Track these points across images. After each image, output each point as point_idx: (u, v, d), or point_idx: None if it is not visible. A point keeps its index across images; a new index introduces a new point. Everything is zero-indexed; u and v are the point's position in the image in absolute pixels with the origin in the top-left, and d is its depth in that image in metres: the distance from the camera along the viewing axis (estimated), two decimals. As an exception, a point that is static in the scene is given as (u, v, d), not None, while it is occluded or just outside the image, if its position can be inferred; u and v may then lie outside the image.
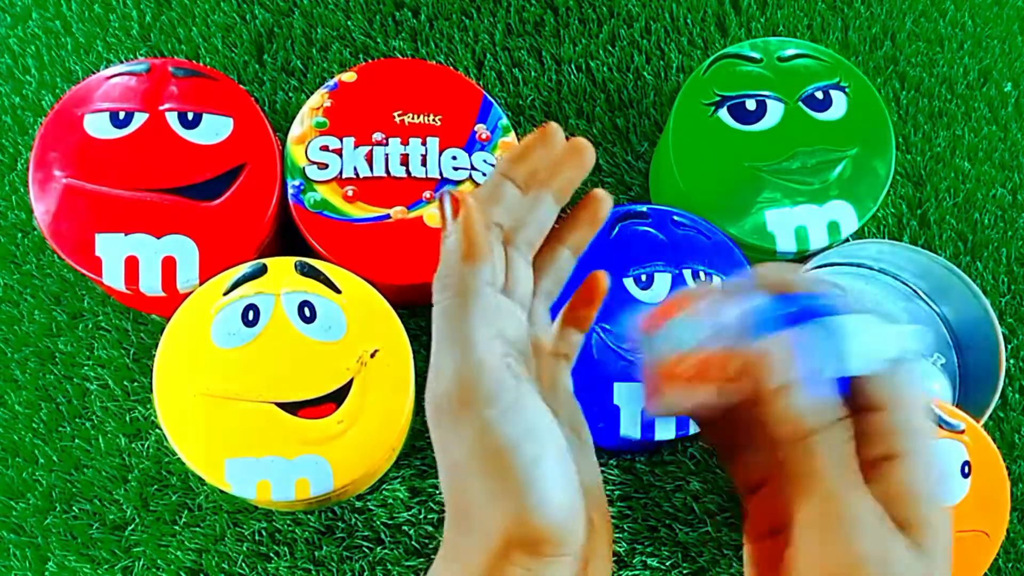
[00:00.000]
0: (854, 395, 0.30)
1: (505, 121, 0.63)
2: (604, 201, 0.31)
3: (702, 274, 0.59)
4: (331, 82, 0.63)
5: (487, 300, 0.28)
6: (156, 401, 0.54)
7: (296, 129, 0.61)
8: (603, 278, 0.32)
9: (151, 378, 0.55)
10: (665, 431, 0.56)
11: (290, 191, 0.60)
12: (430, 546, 0.61)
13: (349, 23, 0.73)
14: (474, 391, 0.27)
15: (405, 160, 0.61)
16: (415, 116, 0.62)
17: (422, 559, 0.61)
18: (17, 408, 0.62)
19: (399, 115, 0.62)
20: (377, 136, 0.61)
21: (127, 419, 0.62)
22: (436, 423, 0.28)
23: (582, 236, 0.31)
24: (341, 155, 0.61)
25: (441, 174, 0.61)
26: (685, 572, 0.62)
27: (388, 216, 0.60)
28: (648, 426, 0.56)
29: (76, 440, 0.61)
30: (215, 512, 0.61)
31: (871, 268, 0.70)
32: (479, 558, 0.26)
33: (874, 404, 0.29)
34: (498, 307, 0.28)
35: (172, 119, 0.59)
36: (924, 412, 0.29)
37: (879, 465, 0.29)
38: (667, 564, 0.62)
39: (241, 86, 0.61)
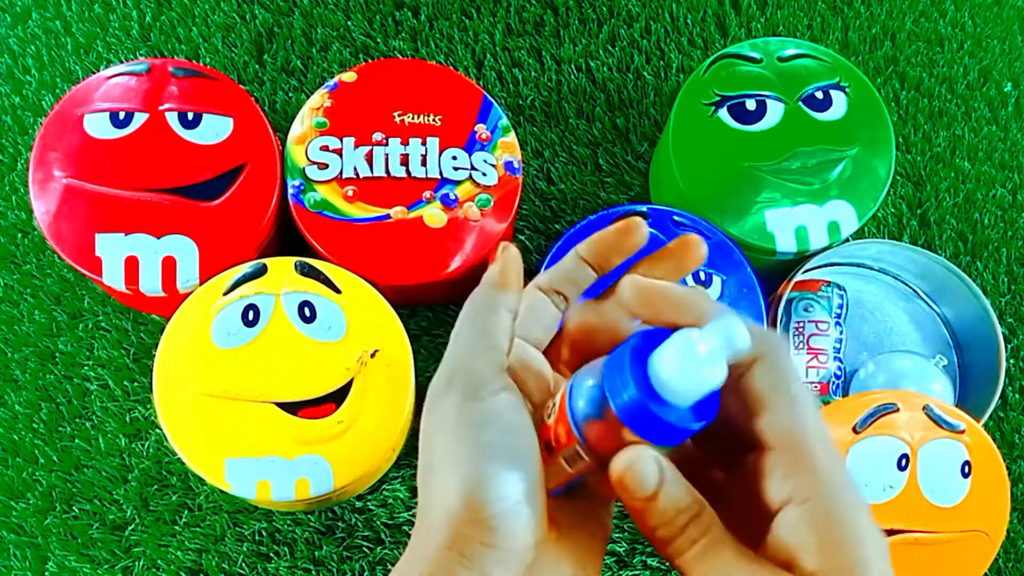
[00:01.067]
0: (745, 431, 0.27)
1: (505, 121, 0.63)
2: (699, 248, 0.30)
3: (702, 274, 0.59)
4: (331, 82, 0.63)
5: (500, 317, 0.28)
6: (156, 401, 0.54)
7: (296, 129, 0.61)
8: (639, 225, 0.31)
9: (151, 378, 0.55)
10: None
11: (290, 191, 0.60)
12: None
13: (349, 23, 0.73)
14: (463, 377, 0.28)
15: (405, 160, 0.61)
16: (415, 116, 0.62)
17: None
18: (17, 408, 0.62)
19: (399, 115, 0.62)
20: (377, 136, 0.61)
21: (127, 419, 0.62)
22: (426, 410, 0.28)
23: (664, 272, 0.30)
24: (341, 155, 0.61)
25: (441, 174, 0.61)
26: (685, 572, 0.62)
27: (388, 216, 0.60)
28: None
29: (76, 440, 0.61)
30: (215, 512, 0.61)
31: (871, 268, 0.70)
32: (429, 549, 0.26)
33: (766, 444, 0.27)
34: (506, 329, 0.29)
35: (172, 119, 0.59)
36: (823, 447, 0.26)
37: (777, 512, 0.26)
38: (667, 564, 0.62)
39: (241, 86, 0.61)
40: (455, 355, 0.29)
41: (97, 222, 0.57)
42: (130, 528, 0.60)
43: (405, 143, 0.61)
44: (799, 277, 0.64)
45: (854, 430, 0.56)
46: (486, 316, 0.29)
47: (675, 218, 0.60)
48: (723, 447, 0.29)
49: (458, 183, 0.61)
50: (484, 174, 0.61)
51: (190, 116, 0.59)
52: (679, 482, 0.28)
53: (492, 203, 0.61)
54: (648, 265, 0.30)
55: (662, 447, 0.27)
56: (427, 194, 0.60)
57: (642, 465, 0.27)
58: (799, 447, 0.26)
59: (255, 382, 0.54)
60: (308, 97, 0.63)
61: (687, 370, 0.25)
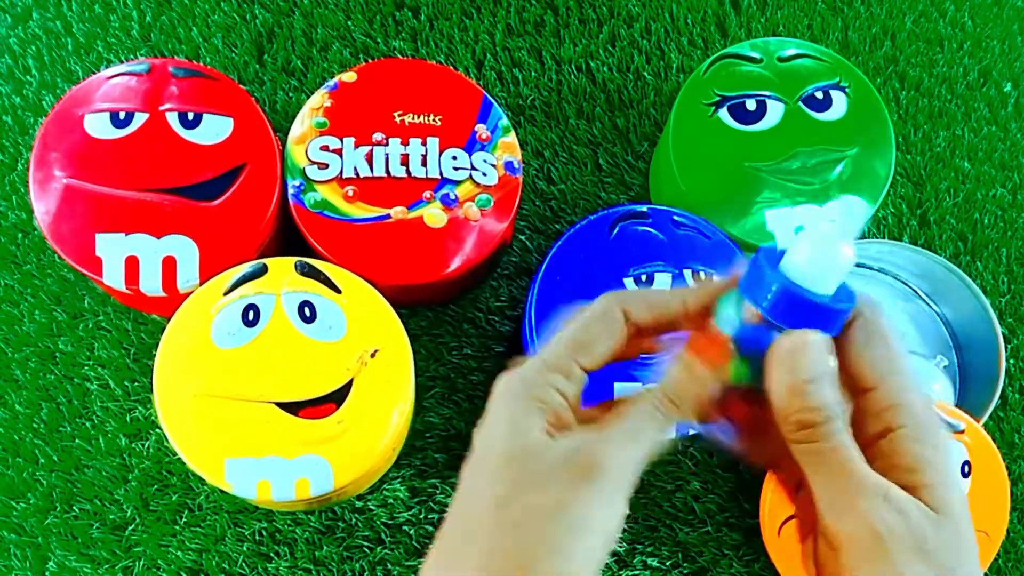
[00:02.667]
0: (845, 378, 0.30)
1: (505, 121, 0.63)
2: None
3: (702, 274, 0.59)
4: (331, 82, 0.63)
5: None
6: (156, 401, 0.54)
7: (296, 129, 0.61)
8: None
9: (151, 378, 0.55)
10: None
11: (290, 191, 0.60)
12: (430, 546, 0.61)
13: (349, 23, 0.73)
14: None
15: (405, 160, 0.61)
16: (415, 116, 0.62)
17: (422, 559, 0.61)
18: (18, 408, 0.62)
19: (399, 115, 0.62)
20: (377, 136, 0.61)
21: (127, 419, 0.62)
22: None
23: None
24: (341, 155, 0.61)
25: (441, 174, 0.61)
26: (685, 572, 0.62)
27: (388, 216, 0.60)
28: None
29: (76, 440, 0.61)
30: (215, 512, 0.61)
31: (871, 268, 0.70)
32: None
33: (867, 384, 0.30)
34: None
35: (172, 119, 0.59)
36: (915, 384, 0.30)
37: (877, 442, 0.29)
38: (667, 564, 0.62)
39: (241, 86, 0.61)
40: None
41: (97, 222, 0.57)
42: (130, 528, 0.60)
43: (405, 143, 0.61)
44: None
45: (854, 430, 0.56)
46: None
47: (675, 218, 0.60)
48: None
49: (458, 183, 0.61)
50: (484, 174, 0.61)
51: (190, 116, 0.60)
52: (836, 382, 0.29)
53: (492, 203, 0.61)
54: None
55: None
56: (427, 194, 0.60)
57: (816, 346, 0.29)
58: (900, 390, 0.29)
59: (255, 382, 0.54)
60: (308, 97, 0.63)
61: (821, 253, 0.27)
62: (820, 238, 0.27)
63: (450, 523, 0.31)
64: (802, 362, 0.29)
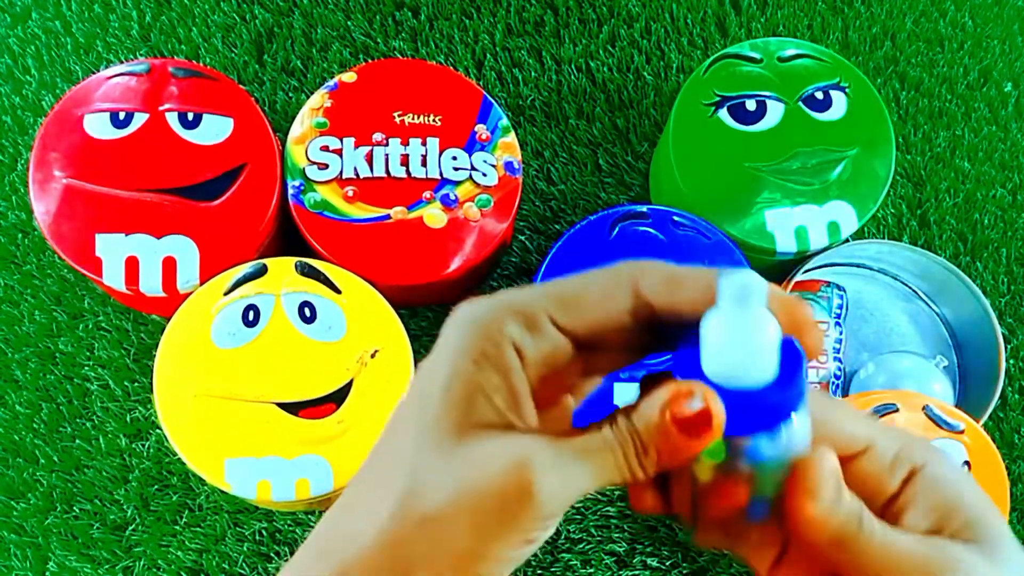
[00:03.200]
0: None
1: (505, 121, 0.63)
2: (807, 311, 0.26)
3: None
4: (331, 82, 0.63)
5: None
6: (156, 401, 0.54)
7: (296, 129, 0.61)
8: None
9: (151, 378, 0.55)
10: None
11: (290, 191, 0.60)
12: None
13: (349, 23, 0.73)
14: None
15: (405, 160, 0.61)
16: (415, 116, 0.62)
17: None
18: (18, 408, 0.62)
19: (399, 115, 0.62)
20: (377, 136, 0.61)
21: (127, 419, 0.62)
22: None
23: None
24: (341, 155, 0.61)
25: (441, 174, 0.61)
26: (685, 572, 0.62)
27: (388, 216, 0.60)
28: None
29: (77, 440, 0.61)
30: (216, 512, 0.61)
31: (871, 268, 0.70)
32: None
33: (857, 447, 0.26)
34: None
35: (172, 119, 0.59)
36: (893, 427, 0.27)
37: (902, 493, 0.26)
38: (667, 564, 0.62)
39: (241, 86, 0.61)
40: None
41: (97, 222, 0.57)
42: (131, 528, 0.60)
43: (405, 143, 0.61)
44: (799, 277, 0.64)
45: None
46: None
47: (675, 218, 0.60)
48: None
49: (458, 183, 0.61)
50: (484, 174, 0.61)
51: (190, 116, 0.60)
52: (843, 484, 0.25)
53: (492, 203, 0.61)
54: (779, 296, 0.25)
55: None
56: (427, 194, 0.60)
57: (833, 465, 0.24)
58: (891, 438, 0.26)
59: (255, 382, 0.54)
60: (308, 97, 0.63)
61: (739, 336, 0.22)
62: (730, 322, 0.22)
63: (362, 475, 0.26)
64: (828, 487, 0.24)
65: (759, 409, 0.23)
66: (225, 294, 0.56)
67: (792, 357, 0.23)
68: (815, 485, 0.24)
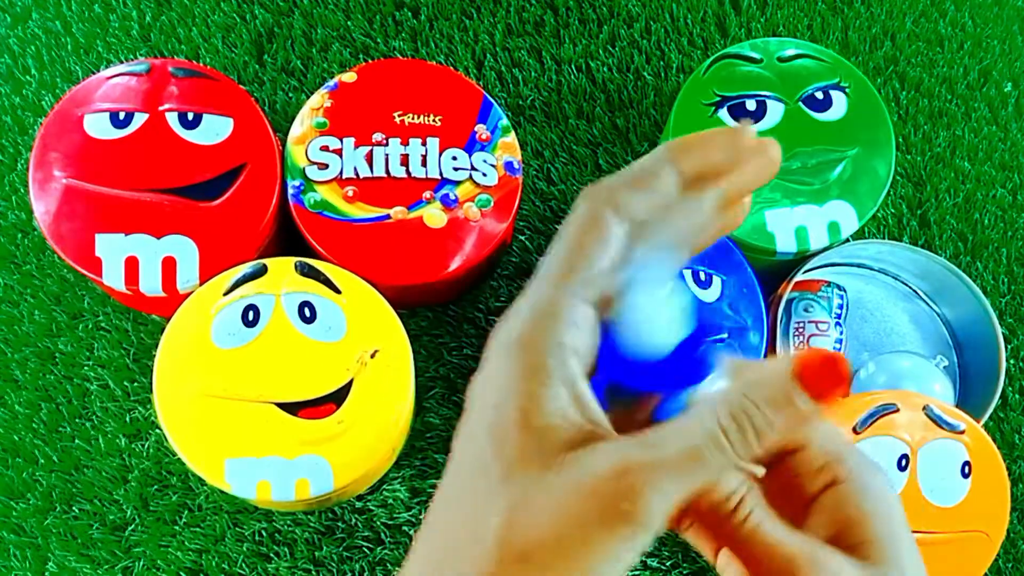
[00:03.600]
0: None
1: (505, 121, 0.63)
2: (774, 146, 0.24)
3: (702, 274, 0.59)
4: (331, 82, 0.63)
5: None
6: (156, 401, 0.54)
7: (296, 129, 0.61)
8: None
9: (151, 378, 0.55)
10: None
11: (290, 191, 0.60)
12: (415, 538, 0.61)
13: (349, 23, 0.73)
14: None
15: (405, 160, 0.61)
16: (415, 116, 0.62)
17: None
18: (17, 408, 0.62)
19: (399, 115, 0.62)
20: (377, 136, 0.61)
21: (127, 419, 0.62)
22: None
23: (746, 178, 0.24)
24: (341, 155, 0.61)
25: (441, 174, 0.61)
26: (685, 572, 0.62)
27: (388, 216, 0.60)
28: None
29: (76, 440, 0.61)
30: (215, 512, 0.61)
31: (871, 268, 0.70)
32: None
33: (795, 444, 0.27)
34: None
35: (172, 119, 0.59)
36: (841, 434, 0.27)
37: (818, 498, 0.27)
38: (667, 564, 0.62)
39: (241, 86, 0.61)
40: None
41: (97, 222, 0.57)
42: (130, 528, 0.60)
43: (405, 143, 0.61)
44: (799, 277, 0.64)
45: (854, 430, 0.56)
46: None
47: (675, 218, 0.60)
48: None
49: (458, 183, 0.61)
50: (484, 174, 0.61)
51: (190, 116, 0.60)
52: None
53: (492, 203, 0.61)
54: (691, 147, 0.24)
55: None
56: (427, 194, 0.60)
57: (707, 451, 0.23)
58: (831, 443, 0.27)
59: (255, 382, 0.54)
60: (308, 97, 0.63)
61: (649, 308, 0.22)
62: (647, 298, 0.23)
63: (434, 522, 0.25)
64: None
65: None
66: (225, 294, 0.56)
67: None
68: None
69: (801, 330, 0.65)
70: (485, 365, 0.24)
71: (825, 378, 0.22)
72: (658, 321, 0.22)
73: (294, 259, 0.57)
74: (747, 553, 0.25)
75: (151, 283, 0.57)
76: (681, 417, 0.23)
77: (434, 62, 0.67)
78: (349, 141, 0.61)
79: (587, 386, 0.23)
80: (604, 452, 0.22)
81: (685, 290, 0.23)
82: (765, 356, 0.59)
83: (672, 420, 0.23)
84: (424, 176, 0.61)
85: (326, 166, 0.60)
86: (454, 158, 0.61)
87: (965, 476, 0.56)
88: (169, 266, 0.57)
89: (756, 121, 0.64)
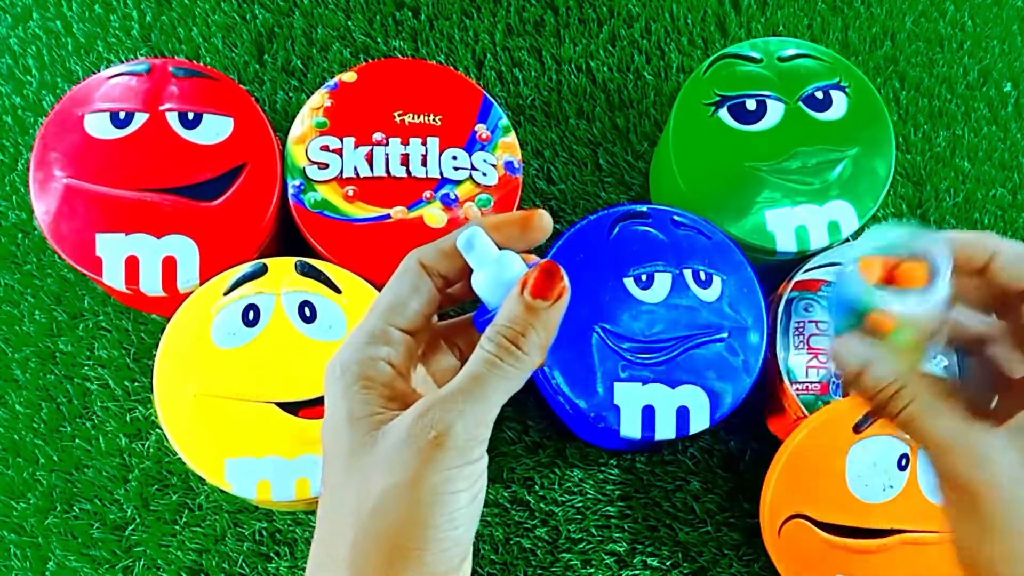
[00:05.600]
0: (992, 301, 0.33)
1: (505, 121, 0.63)
2: (543, 219, 0.33)
3: (702, 274, 0.59)
4: (331, 82, 0.63)
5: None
6: (156, 401, 0.54)
7: (296, 129, 0.61)
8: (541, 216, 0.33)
9: (151, 378, 0.55)
10: (665, 431, 0.56)
11: (290, 191, 0.60)
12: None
13: (349, 23, 0.73)
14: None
15: (405, 160, 0.61)
16: (415, 116, 0.62)
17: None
18: (18, 408, 0.62)
19: (399, 115, 0.62)
20: (377, 136, 0.62)
21: (127, 419, 0.62)
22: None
23: (510, 236, 0.32)
24: (341, 155, 0.61)
25: (441, 174, 0.61)
26: (685, 572, 0.62)
27: (388, 216, 0.60)
28: (648, 426, 0.56)
29: (77, 440, 0.61)
30: (216, 512, 0.61)
31: (871, 268, 0.70)
32: None
33: (986, 256, 0.33)
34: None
35: (172, 119, 0.59)
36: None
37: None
38: (667, 564, 0.62)
39: (241, 86, 0.61)
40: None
41: (97, 222, 0.57)
42: (130, 528, 0.60)
43: (405, 143, 0.61)
44: (799, 277, 0.64)
45: (854, 430, 0.56)
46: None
47: (675, 218, 0.60)
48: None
49: (458, 183, 0.61)
50: (484, 174, 0.61)
51: (190, 116, 0.60)
52: (883, 359, 0.33)
53: (492, 203, 0.61)
54: (497, 226, 0.32)
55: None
56: (427, 194, 0.60)
57: (846, 348, 0.33)
58: None
59: (255, 382, 0.54)
60: (308, 97, 0.63)
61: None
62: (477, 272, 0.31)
63: (320, 526, 0.31)
64: (843, 361, 0.35)
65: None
66: (225, 294, 0.56)
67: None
68: None
69: (801, 330, 0.65)
70: (325, 384, 0.31)
71: (549, 281, 0.30)
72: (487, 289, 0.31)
73: (294, 259, 0.57)
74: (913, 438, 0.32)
75: (151, 283, 0.57)
76: (470, 358, 0.30)
77: (434, 62, 0.67)
78: (349, 141, 0.61)
79: (403, 381, 0.31)
80: (412, 408, 0.29)
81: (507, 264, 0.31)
82: (766, 356, 0.59)
83: (467, 362, 0.30)
84: (424, 176, 0.61)
85: (326, 166, 0.60)
86: (454, 158, 0.61)
87: (965, 476, 0.56)
88: (169, 266, 0.57)
89: (756, 121, 0.64)
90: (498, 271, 0.31)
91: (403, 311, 0.31)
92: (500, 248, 0.31)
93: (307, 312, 0.56)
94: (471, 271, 0.31)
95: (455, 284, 0.33)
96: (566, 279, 0.30)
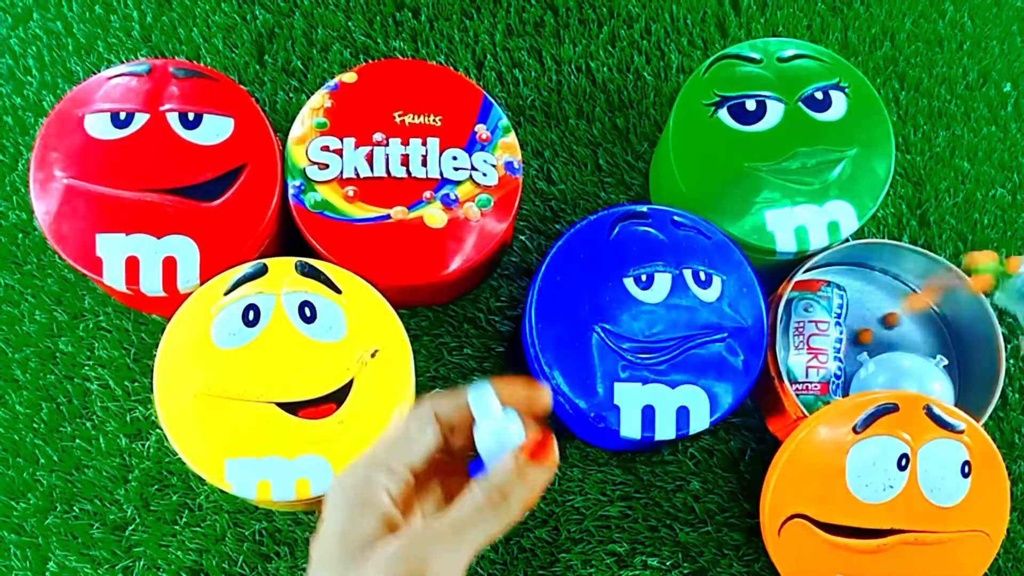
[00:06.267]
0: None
1: (505, 121, 0.63)
2: (547, 394, 0.36)
3: (702, 274, 0.59)
4: (332, 82, 0.63)
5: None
6: (156, 401, 0.54)
7: (297, 129, 0.61)
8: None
9: (151, 378, 0.55)
10: (665, 431, 0.56)
11: (291, 191, 0.60)
12: None
13: (349, 24, 0.73)
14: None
15: (405, 160, 0.61)
16: (415, 116, 0.62)
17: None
18: (18, 408, 0.62)
19: (399, 115, 0.62)
20: (377, 136, 0.62)
21: (127, 419, 0.62)
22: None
23: (514, 395, 0.36)
24: (342, 155, 0.61)
25: (441, 174, 0.61)
26: (685, 572, 0.62)
27: (388, 216, 0.60)
28: (648, 426, 0.56)
29: (77, 440, 0.62)
30: (216, 512, 0.61)
31: (871, 268, 0.70)
32: None
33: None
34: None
35: (173, 119, 0.59)
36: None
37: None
38: (667, 564, 0.62)
39: (242, 86, 0.61)
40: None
41: (98, 222, 0.57)
42: (130, 528, 0.60)
43: (405, 143, 0.61)
44: (799, 277, 0.64)
45: (854, 430, 0.56)
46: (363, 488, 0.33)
47: (675, 218, 0.60)
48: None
49: (458, 183, 0.61)
50: (484, 174, 0.61)
51: (191, 116, 0.60)
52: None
53: (492, 203, 0.61)
54: (505, 385, 0.36)
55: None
56: (427, 194, 0.60)
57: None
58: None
59: (255, 382, 0.54)
60: (308, 97, 0.63)
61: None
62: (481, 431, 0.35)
63: None
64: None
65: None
66: (225, 294, 0.56)
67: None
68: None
69: (801, 330, 0.65)
70: (326, 498, 0.33)
71: (544, 450, 0.33)
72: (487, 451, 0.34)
73: (294, 259, 0.57)
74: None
75: (151, 283, 0.57)
76: (458, 500, 0.33)
77: (434, 62, 0.67)
78: (349, 141, 0.61)
79: (396, 509, 0.33)
80: (397, 537, 0.32)
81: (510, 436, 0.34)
82: (764, 355, 0.59)
83: (454, 503, 0.33)
84: (424, 176, 0.61)
85: (326, 166, 0.60)
86: (454, 158, 0.61)
87: (965, 476, 0.56)
88: (170, 266, 0.57)
89: (756, 121, 0.64)
90: (499, 427, 0.34)
91: (409, 449, 0.34)
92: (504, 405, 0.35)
93: (307, 312, 0.56)
94: (474, 421, 0.35)
95: (458, 435, 0.36)
96: (556, 451, 0.34)
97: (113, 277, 0.56)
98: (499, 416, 0.35)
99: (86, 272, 0.56)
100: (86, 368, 0.63)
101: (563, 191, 0.70)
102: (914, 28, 0.77)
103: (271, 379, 0.54)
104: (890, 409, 0.56)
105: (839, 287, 0.66)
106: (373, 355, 0.56)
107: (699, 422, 0.56)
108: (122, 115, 0.59)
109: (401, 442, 0.34)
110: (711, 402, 0.56)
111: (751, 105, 0.64)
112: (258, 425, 0.54)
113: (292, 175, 0.60)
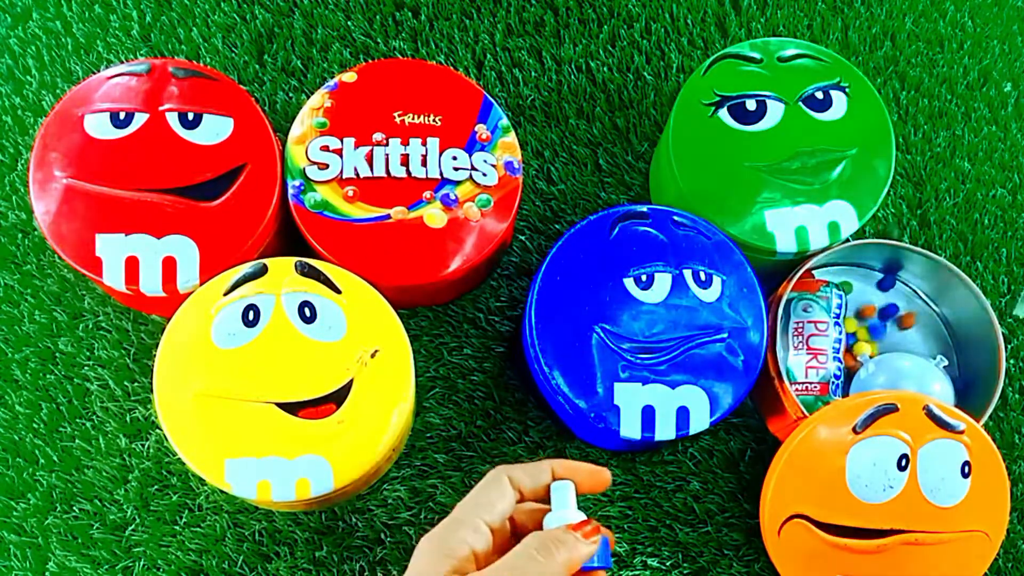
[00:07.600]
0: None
1: (505, 121, 0.63)
2: (607, 477, 0.44)
3: (702, 274, 0.59)
4: (331, 82, 0.63)
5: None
6: (156, 401, 0.54)
7: (296, 129, 0.61)
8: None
9: (151, 378, 0.55)
10: (665, 431, 0.56)
11: (290, 191, 0.60)
12: None
13: (349, 23, 0.73)
14: None
15: (405, 160, 0.61)
16: (415, 116, 0.62)
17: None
18: (18, 408, 0.62)
19: (399, 115, 0.62)
20: (377, 136, 0.62)
21: (127, 419, 0.62)
22: None
23: (573, 476, 0.43)
24: (341, 155, 0.61)
25: (441, 174, 0.61)
26: (685, 572, 0.62)
27: (388, 216, 0.60)
28: (648, 426, 0.56)
29: (77, 440, 0.62)
30: (215, 512, 0.61)
31: (871, 268, 0.70)
32: None
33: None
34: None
35: (172, 119, 0.59)
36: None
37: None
38: (667, 564, 0.62)
39: (241, 86, 0.61)
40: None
41: (97, 222, 0.57)
42: (130, 528, 0.60)
43: (405, 143, 0.61)
44: (799, 277, 0.64)
45: (854, 430, 0.56)
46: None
47: (675, 218, 0.60)
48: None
49: (458, 183, 0.61)
50: (484, 174, 0.61)
51: (190, 116, 0.60)
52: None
53: (492, 203, 0.61)
54: (575, 470, 0.43)
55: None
56: (427, 194, 0.60)
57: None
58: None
59: (255, 382, 0.54)
60: (308, 97, 0.63)
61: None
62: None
63: None
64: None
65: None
66: (225, 294, 0.56)
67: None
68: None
69: (801, 330, 0.65)
70: (416, 548, 0.40)
71: (592, 533, 0.40)
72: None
73: (294, 259, 0.57)
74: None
75: (151, 283, 0.57)
76: (513, 549, 0.39)
77: (434, 62, 0.67)
78: (349, 141, 0.61)
79: (473, 562, 0.39)
80: None
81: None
82: (764, 356, 0.59)
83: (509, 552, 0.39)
84: (424, 176, 0.61)
85: (326, 166, 0.60)
86: (454, 158, 0.61)
87: (965, 476, 0.56)
88: (169, 266, 0.57)
89: (756, 121, 0.64)
90: (568, 518, 0.41)
91: (491, 509, 0.41)
92: (560, 479, 0.42)
93: (307, 312, 0.56)
94: (548, 501, 0.42)
95: (526, 501, 0.43)
96: (601, 541, 0.41)
97: (113, 277, 0.56)
98: (573, 509, 0.41)
99: (86, 272, 0.56)
100: (86, 368, 0.63)
101: (563, 191, 0.70)
102: (915, 28, 0.77)
103: (271, 379, 0.54)
104: (890, 409, 0.56)
105: (839, 287, 0.66)
106: (373, 355, 0.56)
107: (699, 422, 0.56)
108: (122, 115, 0.59)
109: (482, 505, 0.41)
110: (711, 402, 0.57)
111: (751, 105, 0.64)
112: (258, 425, 0.54)
113: (292, 175, 0.60)
